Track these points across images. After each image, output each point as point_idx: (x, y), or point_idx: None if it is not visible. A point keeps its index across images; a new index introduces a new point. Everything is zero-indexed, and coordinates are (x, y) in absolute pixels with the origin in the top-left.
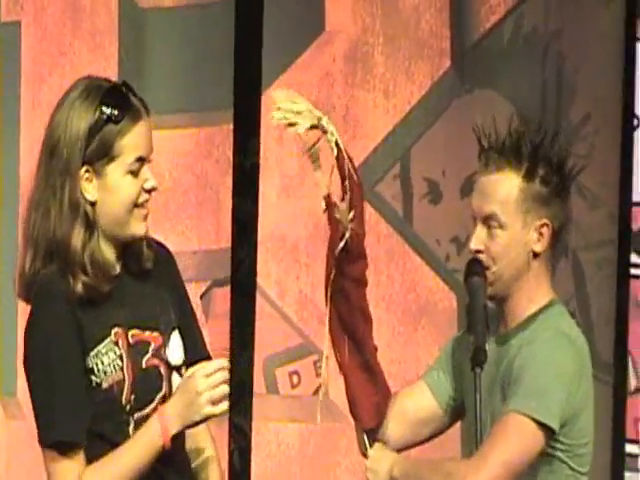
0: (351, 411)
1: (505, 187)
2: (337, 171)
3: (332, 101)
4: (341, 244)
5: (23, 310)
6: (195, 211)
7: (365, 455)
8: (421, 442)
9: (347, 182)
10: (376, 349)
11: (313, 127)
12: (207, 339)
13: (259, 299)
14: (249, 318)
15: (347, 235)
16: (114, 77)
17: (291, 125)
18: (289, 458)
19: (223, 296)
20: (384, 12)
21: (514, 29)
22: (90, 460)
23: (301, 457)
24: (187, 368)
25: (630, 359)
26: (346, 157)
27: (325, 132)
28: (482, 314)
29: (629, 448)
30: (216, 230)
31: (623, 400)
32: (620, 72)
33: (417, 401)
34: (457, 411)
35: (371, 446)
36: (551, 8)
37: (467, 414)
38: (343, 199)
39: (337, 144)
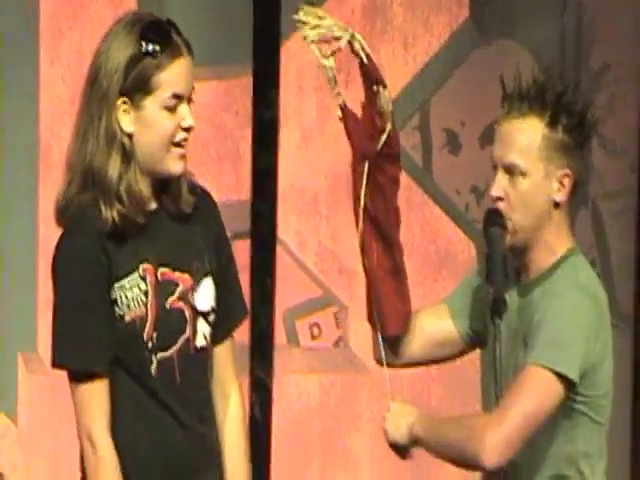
0: (373, 318)
1: (528, 134)
2: (367, 77)
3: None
4: (383, 137)
5: (42, 264)
6: (215, 163)
7: (380, 362)
8: (437, 361)
9: (380, 86)
10: (403, 255)
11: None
12: None
13: (279, 251)
14: (269, 270)
15: (389, 127)
16: None
17: (336, 39)
18: (310, 409)
19: (243, 249)
20: None
21: None
22: (114, 393)
23: (322, 408)
24: (216, 314)
25: None
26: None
27: (354, 41)
28: (501, 264)
29: None
30: (236, 182)
31: None
32: (639, 21)
33: (436, 322)
34: (476, 339)
35: (386, 356)
36: None
37: (488, 364)
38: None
39: (367, 53)
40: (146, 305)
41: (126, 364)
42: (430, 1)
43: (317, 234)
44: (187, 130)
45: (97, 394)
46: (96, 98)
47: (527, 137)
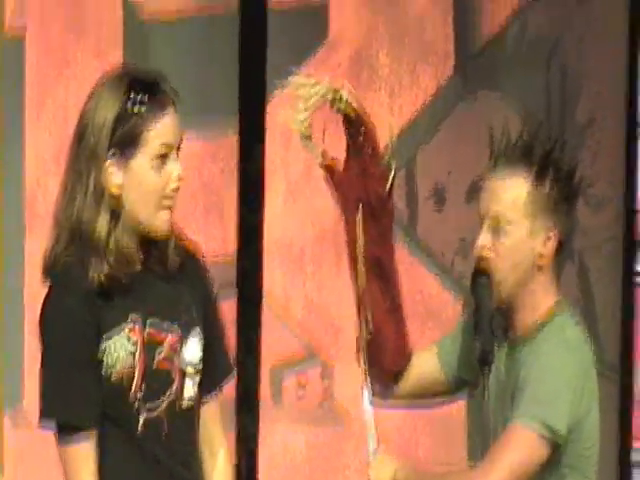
0: (373, 357)
1: (515, 189)
2: (352, 129)
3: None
4: (391, 175)
5: (29, 317)
6: (201, 218)
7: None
8: (425, 398)
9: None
10: (400, 292)
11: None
12: None
13: (265, 306)
14: (255, 326)
15: (393, 172)
16: None
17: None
18: (296, 464)
19: (229, 304)
20: (388, 17)
21: (518, 33)
22: (102, 448)
23: (308, 462)
24: (203, 372)
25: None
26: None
27: (338, 101)
28: (488, 318)
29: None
30: (222, 237)
31: (629, 403)
32: (624, 75)
33: (423, 361)
34: (461, 384)
35: (371, 401)
36: (555, 12)
37: (477, 417)
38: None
39: (353, 108)
40: (133, 363)
41: (113, 422)
42: (416, 54)
43: (303, 289)
44: (175, 189)
45: (85, 451)
46: (84, 155)
47: (513, 193)
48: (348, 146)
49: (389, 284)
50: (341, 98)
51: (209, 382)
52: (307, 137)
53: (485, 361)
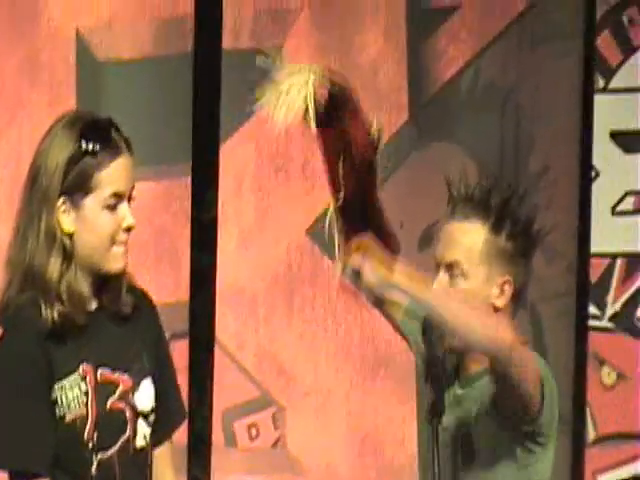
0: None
1: (471, 237)
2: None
3: (290, 153)
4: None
5: None
6: (153, 264)
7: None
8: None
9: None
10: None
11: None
12: None
13: (217, 352)
14: (207, 371)
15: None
16: None
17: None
18: None
19: (181, 349)
20: (342, 64)
21: (471, 82)
22: None
23: None
24: (156, 416)
25: (588, 411)
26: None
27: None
28: (440, 367)
29: None
30: (174, 283)
31: (581, 452)
32: (577, 124)
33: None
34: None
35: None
36: (508, 60)
37: (426, 465)
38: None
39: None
40: (87, 405)
41: (66, 464)
42: (370, 101)
43: (256, 335)
44: (127, 230)
45: None
46: (36, 197)
47: (470, 240)
48: (334, 117)
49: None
50: (323, 77)
51: (161, 428)
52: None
53: (437, 411)
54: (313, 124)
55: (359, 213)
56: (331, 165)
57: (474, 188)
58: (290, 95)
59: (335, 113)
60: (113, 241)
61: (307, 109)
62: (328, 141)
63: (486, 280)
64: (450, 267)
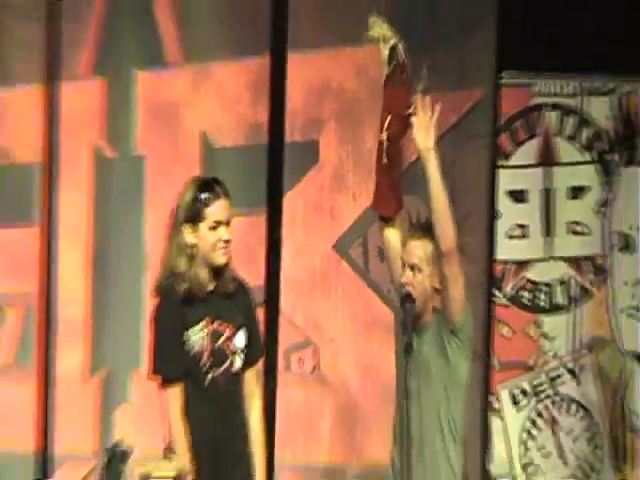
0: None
1: (423, 249)
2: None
3: (322, 203)
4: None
5: (145, 318)
6: (244, 263)
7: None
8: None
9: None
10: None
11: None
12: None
13: (282, 316)
14: (275, 327)
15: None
16: None
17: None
18: (293, 408)
19: (259, 315)
20: (354, 148)
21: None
22: (186, 393)
23: (306, 405)
24: (246, 352)
25: (494, 350)
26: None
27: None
28: (410, 324)
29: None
30: (257, 276)
31: (489, 373)
32: (487, 186)
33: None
34: None
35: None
36: (454, 152)
37: (400, 390)
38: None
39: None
40: (205, 344)
41: (191, 377)
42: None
43: (303, 306)
44: (225, 242)
45: (175, 393)
46: (175, 225)
47: (422, 250)
48: (389, 79)
49: (397, 160)
50: (397, 45)
51: (249, 359)
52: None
53: (408, 350)
54: (387, 69)
55: (393, 148)
56: (384, 115)
57: (425, 220)
58: (387, 39)
59: (401, 76)
60: (216, 247)
61: (394, 53)
62: (387, 99)
63: (431, 273)
64: (412, 267)
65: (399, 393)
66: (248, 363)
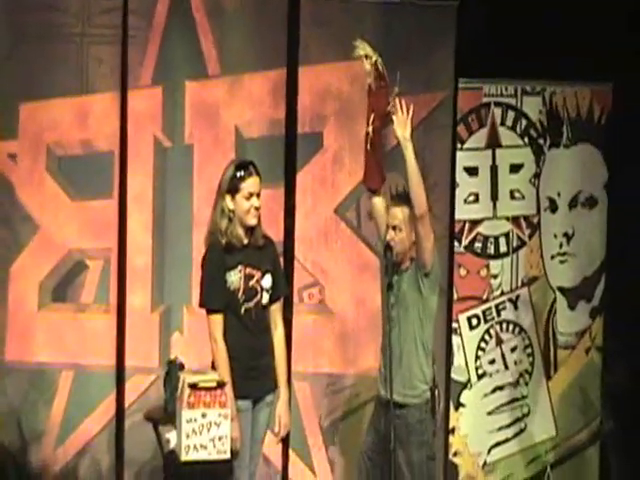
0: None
1: (402, 213)
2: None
3: (325, 179)
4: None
5: (195, 263)
6: (266, 225)
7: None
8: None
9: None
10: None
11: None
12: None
13: (296, 262)
14: (291, 272)
15: (394, 98)
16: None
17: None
18: (306, 332)
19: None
20: (350, 137)
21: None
22: (226, 321)
23: (313, 326)
24: (272, 291)
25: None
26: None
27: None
28: (391, 268)
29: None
30: (276, 232)
31: (451, 304)
32: (449, 163)
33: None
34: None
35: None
36: (425, 142)
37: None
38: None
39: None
40: (240, 283)
41: (230, 308)
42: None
43: (311, 255)
44: (256, 208)
45: (218, 320)
46: (219, 194)
47: (401, 214)
48: (372, 85)
49: (378, 149)
50: (377, 60)
51: (275, 296)
52: (369, 62)
53: (389, 286)
54: (369, 79)
55: (377, 137)
56: (369, 113)
57: (402, 191)
58: (370, 56)
59: (380, 83)
60: (249, 212)
61: (375, 66)
62: (371, 101)
63: (409, 230)
64: (394, 227)
65: (384, 320)
66: (273, 299)
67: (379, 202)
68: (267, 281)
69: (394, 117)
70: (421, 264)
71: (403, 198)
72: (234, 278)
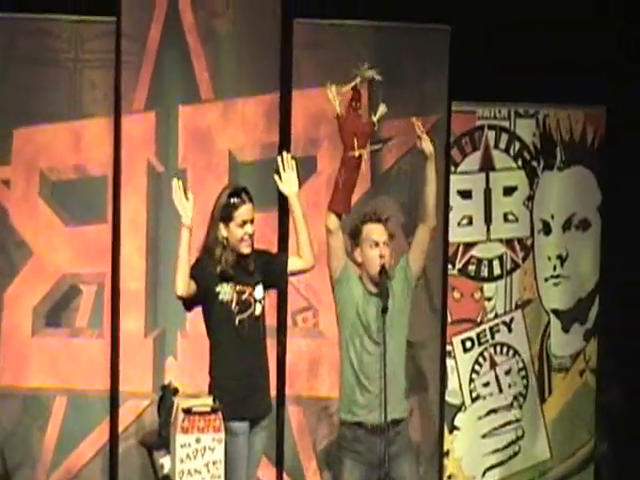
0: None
1: (381, 230)
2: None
3: (319, 202)
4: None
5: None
6: (262, 243)
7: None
8: None
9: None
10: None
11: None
12: None
13: (291, 290)
14: (285, 296)
15: (374, 123)
16: None
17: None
18: (300, 352)
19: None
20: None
21: (398, 169)
22: (221, 333)
23: (307, 352)
24: (263, 303)
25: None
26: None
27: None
28: (385, 292)
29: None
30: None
31: (445, 328)
32: (443, 186)
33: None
34: None
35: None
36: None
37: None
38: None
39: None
40: (233, 296)
41: (225, 320)
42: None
43: (305, 279)
44: (250, 236)
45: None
46: (212, 222)
47: (381, 230)
48: (350, 108)
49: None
50: (356, 86)
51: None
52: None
53: (385, 310)
54: (340, 110)
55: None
56: (350, 138)
57: (376, 212)
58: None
59: (357, 105)
60: (243, 240)
61: (356, 89)
62: (350, 122)
63: (392, 248)
64: (376, 243)
65: (378, 343)
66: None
67: (335, 224)
68: (259, 292)
69: (421, 134)
70: (410, 275)
71: (380, 218)
72: (226, 290)
